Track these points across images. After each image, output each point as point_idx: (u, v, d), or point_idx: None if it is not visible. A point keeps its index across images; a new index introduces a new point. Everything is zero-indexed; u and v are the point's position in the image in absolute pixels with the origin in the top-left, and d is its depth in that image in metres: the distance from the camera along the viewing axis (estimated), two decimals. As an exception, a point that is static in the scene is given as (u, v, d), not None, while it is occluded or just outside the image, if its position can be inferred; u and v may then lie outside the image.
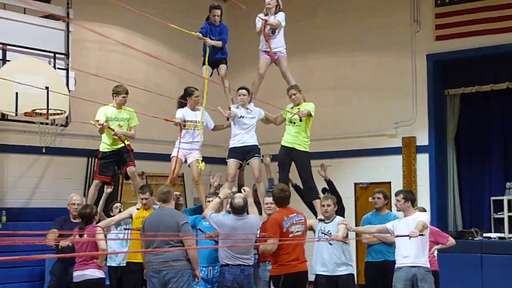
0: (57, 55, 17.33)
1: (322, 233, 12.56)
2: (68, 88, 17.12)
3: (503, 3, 20.83)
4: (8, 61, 16.39)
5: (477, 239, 20.93)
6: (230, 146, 13.51)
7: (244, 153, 13.40)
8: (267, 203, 12.72)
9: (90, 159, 20.39)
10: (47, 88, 15.98)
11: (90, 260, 12.36)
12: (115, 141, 13.83)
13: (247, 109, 13.44)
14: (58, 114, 16.39)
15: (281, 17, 13.72)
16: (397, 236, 12.23)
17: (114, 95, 14.01)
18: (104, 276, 12.62)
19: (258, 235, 12.14)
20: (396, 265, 12.59)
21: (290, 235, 11.24)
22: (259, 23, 13.72)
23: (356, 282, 12.98)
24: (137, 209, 13.27)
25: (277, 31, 13.73)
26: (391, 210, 14.64)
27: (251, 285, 11.95)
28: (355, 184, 22.79)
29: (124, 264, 13.70)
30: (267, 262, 12.38)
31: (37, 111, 16.08)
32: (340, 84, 23.53)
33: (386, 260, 13.77)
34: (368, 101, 23.00)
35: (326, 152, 20.36)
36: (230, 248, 11.85)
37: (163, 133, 19.02)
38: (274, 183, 13.39)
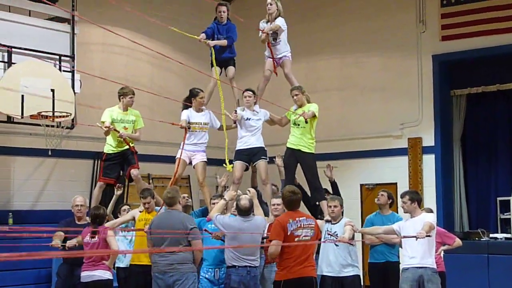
0: (62, 58, 17.34)
1: (329, 234, 12.57)
2: (73, 91, 17.12)
3: (509, 3, 20.80)
4: (14, 63, 16.39)
5: (484, 239, 20.88)
6: (237, 148, 13.52)
7: (250, 155, 13.41)
8: (273, 205, 12.68)
9: (96, 161, 20.41)
10: (52, 90, 16.00)
11: (99, 261, 12.38)
12: (120, 143, 13.87)
13: (253, 111, 13.45)
14: (63, 116, 16.39)
15: (279, 21, 13.74)
16: (404, 237, 12.24)
17: (121, 96, 14.05)
18: (112, 278, 12.63)
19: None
20: (402, 266, 12.63)
21: (296, 239, 10.79)
22: (262, 34, 13.77)
23: (362, 283, 12.96)
24: (140, 211, 13.28)
25: (278, 36, 13.75)
26: (396, 211, 14.65)
27: (257, 286, 11.95)
28: (361, 185, 22.77)
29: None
30: (274, 263, 12.37)
31: (42, 113, 16.09)
32: (346, 85, 23.52)
33: (388, 261, 13.87)
34: (373, 102, 22.99)
35: (332, 154, 20.37)
36: (236, 249, 11.85)
37: (169, 135, 19.03)
38: (283, 185, 13.41)
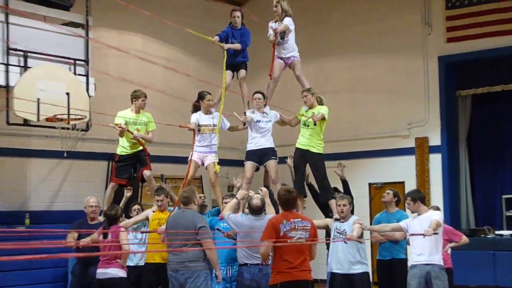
0: (77, 62, 17.37)
1: (338, 232, 12.53)
2: (88, 94, 17.14)
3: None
4: (30, 67, 16.42)
5: (490, 236, 20.88)
6: (248, 149, 13.50)
7: (260, 156, 13.38)
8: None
9: (110, 163, 20.40)
10: (67, 94, 16.02)
11: (113, 259, 12.39)
12: (133, 144, 13.89)
13: (263, 113, 13.42)
14: (78, 119, 16.42)
15: (286, 21, 13.71)
16: (412, 234, 12.22)
17: (134, 99, 14.08)
18: (125, 276, 12.63)
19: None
20: (410, 263, 12.60)
21: (289, 241, 10.38)
22: (271, 34, 13.75)
23: (371, 280, 12.93)
24: (153, 211, 13.29)
25: (286, 36, 13.73)
26: (404, 209, 14.62)
27: (268, 283, 11.92)
28: (370, 184, 22.77)
29: (142, 264, 13.71)
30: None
31: (58, 116, 16.12)
32: (355, 86, 23.53)
33: (393, 258, 13.88)
34: (381, 102, 22.99)
35: (341, 153, 20.33)
36: (248, 247, 11.83)
37: (181, 137, 19.02)
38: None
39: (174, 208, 13.02)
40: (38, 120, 16.13)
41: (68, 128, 16.90)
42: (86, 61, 17.65)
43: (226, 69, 13.85)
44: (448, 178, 21.86)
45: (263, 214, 11.98)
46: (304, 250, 10.54)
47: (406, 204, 12.70)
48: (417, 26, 22.34)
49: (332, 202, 13.01)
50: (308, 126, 13.14)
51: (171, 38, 23.24)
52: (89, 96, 17.11)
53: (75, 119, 16.36)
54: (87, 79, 17.52)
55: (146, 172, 13.91)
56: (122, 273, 12.48)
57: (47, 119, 16.23)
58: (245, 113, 13.52)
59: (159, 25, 22.29)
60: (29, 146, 19.99)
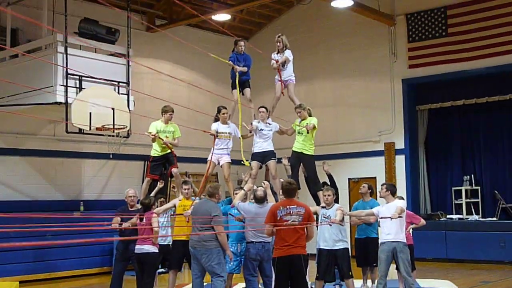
0: (120, 83, 17.35)
1: (324, 217, 12.53)
2: (128, 109, 17.13)
3: (460, 39, 20.85)
4: (84, 88, 16.42)
5: (442, 220, 20.92)
6: (253, 151, 13.47)
7: (263, 157, 13.35)
8: (281, 195, 12.64)
9: (145, 162, 20.40)
10: (113, 108, 16.01)
11: (147, 238, 12.38)
12: (163, 148, 13.93)
13: (266, 123, 13.40)
14: (121, 128, 16.40)
15: (287, 53, 13.72)
16: (382, 218, 12.20)
17: (163, 113, 14.17)
18: (157, 251, 12.57)
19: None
20: (380, 241, 12.58)
21: (285, 224, 10.34)
22: (273, 63, 13.75)
23: (350, 254, 12.91)
24: (179, 200, 13.29)
25: (285, 64, 13.73)
26: (376, 198, 14.61)
27: (270, 257, 11.86)
28: (349, 179, 22.75)
29: (171, 243, 13.71)
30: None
31: (105, 126, 16.10)
32: (337, 102, 23.51)
33: (368, 237, 13.95)
34: (358, 115, 22.99)
35: (326, 155, 20.25)
36: (253, 228, 11.83)
37: (202, 142, 18.95)
38: None
39: (196, 198, 13.08)
40: (90, 129, 16.12)
41: (113, 136, 16.88)
42: (127, 83, 17.62)
43: (235, 87, 13.86)
44: (410, 174, 21.87)
45: (265, 203, 11.98)
46: (299, 230, 10.42)
47: (379, 190, 12.67)
48: (385, 55, 22.34)
49: (320, 194, 13.00)
50: (301, 133, 13.13)
51: (193, 65, 23.27)
52: (129, 111, 17.08)
53: (118, 128, 16.32)
54: (128, 97, 17.49)
55: (174, 170, 13.93)
56: (154, 249, 12.44)
57: (97, 129, 16.21)
58: (251, 123, 13.51)
59: (184, 55, 22.37)
60: (83, 150, 20.03)
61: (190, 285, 12.69)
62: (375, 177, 21.91)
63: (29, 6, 18.14)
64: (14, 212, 15.80)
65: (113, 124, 16.08)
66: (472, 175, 21.57)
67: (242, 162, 13.65)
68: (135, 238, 12.38)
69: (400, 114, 22.10)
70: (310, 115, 13.35)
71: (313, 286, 12.99)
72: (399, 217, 11.88)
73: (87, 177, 20.30)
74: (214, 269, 11.47)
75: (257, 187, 12.55)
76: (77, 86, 16.48)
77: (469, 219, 20.75)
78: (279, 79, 13.78)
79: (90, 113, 15.88)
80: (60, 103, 16.20)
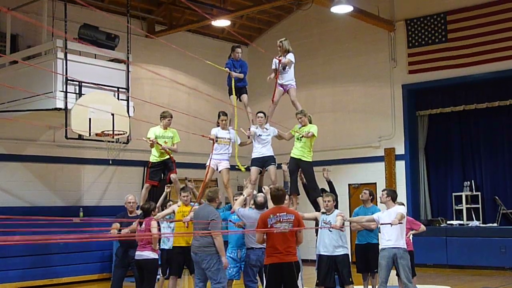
0: (120, 89, 17.34)
1: (324, 222, 12.50)
2: (128, 114, 17.11)
3: (460, 45, 20.86)
4: (83, 94, 16.41)
5: (443, 225, 20.89)
6: (252, 157, 13.44)
7: (263, 162, 13.32)
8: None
9: (145, 168, 20.37)
10: (112, 114, 15.99)
11: (147, 244, 12.36)
12: (162, 153, 13.90)
13: (264, 128, 13.38)
14: (121, 134, 16.38)
15: (290, 56, 13.67)
16: (382, 224, 12.17)
17: (162, 118, 14.15)
18: (157, 257, 12.56)
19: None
20: (380, 246, 12.55)
21: (275, 231, 10.34)
22: (275, 61, 13.71)
23: (350, 260, 12.88)
24: (178, 206, 13.29)
25: (287, 67, 13.68)
26: (376, 205, 14.60)
27: (270, 263, 11.86)
28: (349, 185, 22.72)
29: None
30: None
31: (105, 132, 16.09)
32: (336, 108, 23.50)
33: (368, 243, 13.84)
34: (357, 120, 22.98)
35: (326, 161, 20.26)
36: (253, 234, 11.76)
37: (201, 148, 19.01)
38: (289, 186, 13.34)
39: (195, 203, 13.07)
40: (90, 135, 16.10)
41: (113, 142, 16.86)
42: (127, 89, 17.60)
43: (232, 93, 13.84)
44: (410, 180, 21.84)
45: (265, 209, 11.94)
46: (289, 237, 10.44)
47: (380, 195, 12.64)
48: (385, 61, 22.35)
49: (320, 200, 12.98)
50: (300, 140, 13.11)
51: (193, 71, 23.28)
52: (129, 116, 17.06)
53: (118, 134, 16.30)
54: (128, 103, 17.46)
55: (172, 176, 13.91)
56: (154, 255, 12.42)
57: (96, 134, 16.19)
58: (249, 128, 13.49)
59: (183, 60, 22.36)
60: (83, 156, 20.02)
61: (190, 291, 12.70)
62: (375, 183, 21.89)
63: (29, 12, 18.14)
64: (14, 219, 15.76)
65: (113, 130, 16.06)
66: (473, 181, 21.55)
67: (236, 167, 13.64)
68: (131, 239, 12.36)
69: (400, 120, 22.10)
70: (310, 122, 13.34)
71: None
72: (399, 223, 11.86)
73: (87, 183, 20.29)
74: (213, 275, 11.45)
75: (258, 192, 12.56)
76: (77, 92, 16.46)
77: (470, 225, 20.71)
78: (280, 83, 13.74)
79: (90, 119, 15.86)
80: (60, 109, 16.18)
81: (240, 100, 13.96)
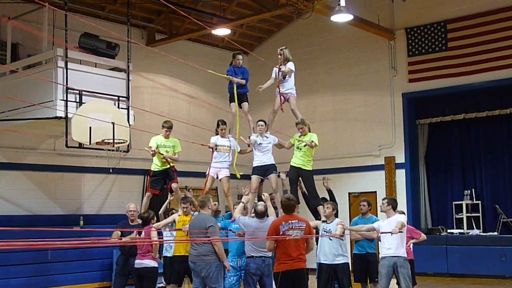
0: (120, 98, 17.37)
1: (324, 231, 12.53)
2: (128, 123, 17.14)
3: (460, 54, 20.91)
4: (84, 103, 16.43)
5: (443, 234, 20.89)
6: (253, 165, 13.47)
7: (264, 170, 13.34)
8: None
9: (145, 177, 20.43)
10: (113, 123, 16.02)
11: (147, 252, 12.40)
12: (164, 163, 13.88)
13: (264, 136, 13.41)
14: (121, 143, 16.40)
15: (290, 65, 13.71)
16: (382, 232, 12.21)
17: (163, 128, 14.13)
18: (157, 266, 12.61)
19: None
20: (381, 255, 12.56)
21: (288, 238, 10.42)
22: (275, 70, 13.74)
23: (350, 269, 12.89)
24: (179, 215, 13.31)
25: (287, 76, 13.72)
26: (376, 215, 14.59)
27: (270, 272, 11.85)
28: (349, 193, 22.72)
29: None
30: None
31: (105, 140, 16.11)
32: (337, 116, 23.53)
33: (367, 252, 13.80)
34: (358, 129, 23.01)
35: (326, 169, 20.27)
36: (253, 243, 11.79)
37: (201, 156, 19.02)
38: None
39: (195, 212, 13.09)
40: (90, 143, 16.11)
41: (113, 150, 16.87)
42: (127, 98, 17.63)
43: (233, 100, 13.87)
44: (411, 188, 21.85)
45: (265, 217, 11.96)
46: (301, 244, 10.57)
47: (381, 204, 12.66)
48: (385, 69, 22.40)
49: (320, 208, 13.01)
50: (300, 149, 13.15)
51: (193, 79, 23.32)
52: (129, 125, 17.08)
53: (118, 143, 16.32)
54: (128, 112, 17.48)
55: (174, 185, 13.89)
56: (154, 264, 12.48)
57: (97, 143, 16.21)
58: (249, 137, 13.52)
59: (184, 69, 22.39)
60: (83, 164, 20.04)
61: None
62: (375, 192, 21.92)
63: (30, 21, 18.19)
64: (14, 227, 15.80)
65: (113, 139, 16.08)
66: (473, 189, 21.57)
67: (233, 172, 13.66)
68: (131, 245, 12.38)
69: (400, 128, 22.13)
70: (309, 131, 13.37)
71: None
72: (399, 232, 11.90)
73: (87, 192, 20.30)
74: (213, 282, 11.44)
75: (258, 201, 12.59)
76: (77, 100, 16.47)
77: (470, 234, 20.72)
78: (279, 91, 13.78)
79: (90, 128, 15.88)
80: (60, 117, 16.20)
81: (240, 108, 13.99)
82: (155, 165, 14.01)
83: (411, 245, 13.94)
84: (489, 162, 21.69)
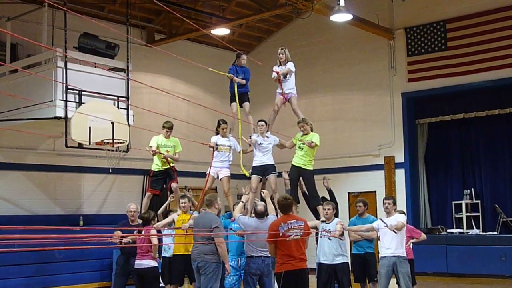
0: (119, 98, 17.39)
1: (324, 231, 12.54)
2: (128, 123, 17.16)
3: (459, 53, 20.93)
4: (83, 103, 16.45)
5: (443, 234, 20.91)
6: (253, 165, 13.47)
7: (263, 170, 13.35)
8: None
9: (145, 177, 20.45)
10: (112, 123, 16.04)
11: (146, 252, 12.43)
12: (164, 162, 13.90)
13: (265, 136, 13.42)
14: (121, 143, 16.42)
15: (289, 65, 13.74)
16: (381, 228, 12.25)
17: (163, 128, 14.14)
18: (157, 265, 12.65)
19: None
20: (380, 255, 12.56)
21: (288, 239, 10.49)
22: (275, 76, 13.79)
23: (350, 269, 12.91)
24: (178, 214, 13.34)
25: (288, 76, 13.75)
26: (375, 214, 14.59)
27: (270, 271, 11.89)
28: (349, 193, 22.73)
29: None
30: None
31: (105, 140, 16.13)
32: (336, 116, 23.55)
33: (366, 252, 13.80)
34: (357, 129, 23.03)
35: (326, 169, 20.26)
36: (253, 243, 11.82)
37: (201, 156, 19.06)
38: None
39: (193, 212, 13.16)
40: (90, 143, 16.14)
41: (112, 150, 16.89)
42: (127, 98, 17.66)
43: (234, 100, 13.89)
44: (410, 188, 21.87)
45: (265, 217, 11.98)
46: (301, 244, 10.64)
47: (386, 205, 12.54)
48: (384, 69, 22.42)
49: (320, 208, 13.02)
50: (301, 149, 13.15)
51: (193, 79, 23.34)
52: (129, 125, 17.10)
53: (118, 143, 16.34)
54: (127, 112, 17.52)
55: (173, 185, 13.92)
56: (154, 264, 12.51)
57: (96, 143, 16.22)
58: (250, 136, 13.53)
59: (183, 69, 22.41)
60: (83, 164, 20.06)
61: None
62: (374, 191, 21.95)
63: (29, 21, 18.22)
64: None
65: (113, 139, 16.10)
66: (473, 189, 21.59)
67: (241, 172, 13.67)
68: (132, 246, 12.40)
69: (400, 128, 22.15)
70: (311, 130, 13.38)
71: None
72: (395, 230, 11.94)
73: (87, 192, 20.32)
74: (207, 282, 11.43)
75: (258, 201, 12.61)
76: (77, 100, 16.51)
77: (470, 233, 20.75)
78: (280, 91, 13.81)
79: (90, 128, 15.90)
80: (60, 117, 16.23)
81: (242, 107, 14.02)
82: (156, 165, 14.03)
83: (411, 244, 13.97)
84: (489, 161, 21.71)
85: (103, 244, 15.21)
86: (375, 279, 13.41)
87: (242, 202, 12.55)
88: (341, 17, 19.02)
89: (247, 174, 13.65)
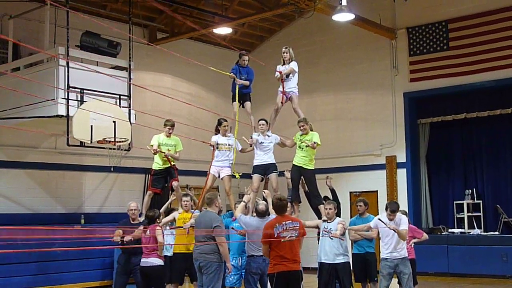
0: (121, 97, 17.38)
1: (325, 230, 12.53)
2: (130, 122, 17.15)
3: (461, 53, 20.92)
4: (85, 101, 16.44)
5: (444, 234, 20.89)
6: (254, 164, 13.43)
7: (265, 169, 13.31)
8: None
9: (146, 176, 20.42)
10: (114, 122, 16.03)
11: (152, 250, 12.41)
12: (165, 161, 13.86)
13: (266, 135, 13.38)
14: (122, 141, 16.42)
15: (292, 64, 13.73)
16: (380, 227, 12.26)
17: (165, 126, 14.11)
18: (163, 264, 12.62)
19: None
20: (381, 255, 12.53)
21: (282, 240, 10.35)
22: (277, 75, 13.77)
23: (351, 268, 12.89)
24: (179, 213, 13.32)
25: (291, 75, 13.74)
26: (376, 214, 14.56)
27: (270, 271, 11.89)
28: (350, 192, 22.72)
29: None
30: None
31: (106, 139, 16.12)
32: (338, 115, 23.55)
33: (367, 252, 13.77)
34: (359, 128, 23.02)
35: (327, 168, 20.27)
36: (254, 242, 11.81)
37: (202, 155, 19.04)
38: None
39: (195, 210, 13.16)
40: (91, 142, 16.13)
41: (114, 149, 16.89)
42: (129, 96, 17.65)
43: (235, 100, 13.87)
44: (412, 188, 21.87)
45: (266, 217, 11.95)
46: (296, 245, 10.53)
47: (390, 214, 12.40)
48: (387, 69, 22.41)
49: (321, 207, 12.99)
50: (302, 148, 13.11)
51: (194, 78, 23.33)
52: (131, 124, 17.10)
53: (119, 141, 16.34)
54: (129, 111, 17.50)
55: (174, 183, 13.87)
56: (159, 262, 12.48)
57: (98, 142, 16.23)
58: (251, 136, 13.51)
59: (185, 68, 22.41)
60: (84, 163, 20.06)
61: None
62: (376, 191, 21.94)
63: (31, 19, 18.22)
64: (15, 225, 15.81)
65: (114, 137, 16.10)
66: (474, 189, 21.57)
67: (232, 172, 13.63)
68: (130, 246, 12.39)
69: (402, 128, 22.14)
70: (311, 130, 13.36)
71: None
72: (394, 229, 11.93)
73: (88, 190, 20.32)
74: (210, 281, 11.42)
75: (260, 200, 12.58)
76: (79, 99, 16.50)
77: (471, 233, 20.72)
78: (282, 90, 13.79)
79: (91, 126, 15.90)
80: (62, 116, 16.23)
81: (243, 107, 13.99)
82: (157, 164, 13.99)
83: (413, 244, 13.94)
84: (490, 161, 21.69)
85: (105, 244, 15.33)
86: (376, 279, 13.40)
87: (244, 202, 12.54)
88: (343, 17, 19.00)
89: (238, 176, 13.60)
